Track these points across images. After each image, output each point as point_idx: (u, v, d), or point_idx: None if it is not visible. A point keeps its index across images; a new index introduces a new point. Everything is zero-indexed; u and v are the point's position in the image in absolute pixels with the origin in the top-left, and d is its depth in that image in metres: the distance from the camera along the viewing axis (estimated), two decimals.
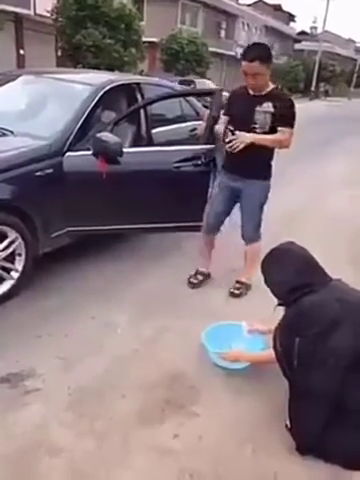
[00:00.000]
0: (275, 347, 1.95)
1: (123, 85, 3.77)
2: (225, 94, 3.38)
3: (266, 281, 2.11)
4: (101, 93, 3.38)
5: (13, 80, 3.96)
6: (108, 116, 3.60)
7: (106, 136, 3.00)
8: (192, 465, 1.79)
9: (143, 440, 1.89)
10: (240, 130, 2.79)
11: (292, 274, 1.97)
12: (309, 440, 1.87)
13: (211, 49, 26.34)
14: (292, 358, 1.85)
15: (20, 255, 2.84)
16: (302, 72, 38.51)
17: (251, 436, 1.96)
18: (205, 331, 2.47)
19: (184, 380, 2.27)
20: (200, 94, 4.09)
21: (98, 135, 2.99)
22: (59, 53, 19.09)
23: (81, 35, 15.74)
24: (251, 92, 2.84)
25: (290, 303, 1.93)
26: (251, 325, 2.48)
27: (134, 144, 3.65)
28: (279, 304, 2.04)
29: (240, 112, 2.87)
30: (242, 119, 2.84)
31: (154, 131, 3.90)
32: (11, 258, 2.80)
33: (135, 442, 1.87)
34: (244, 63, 2.69)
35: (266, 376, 2.29)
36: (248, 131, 2.79)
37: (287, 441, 1.93)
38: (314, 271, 2.01)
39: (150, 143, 3.77)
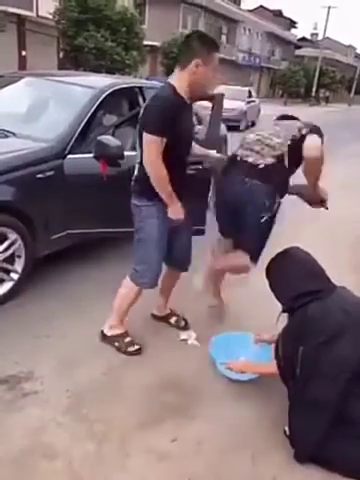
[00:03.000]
0: (277, 355, 1.95)
1: (125, 88, 3.78)
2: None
3: (271, 285, 2.11)
4: (103, 96, 3.39)
5: (15, 82, 3.97)
6: (110, 119, 3.62)
7: (107, 139, 3.01)
8: (190, 469, 1.79)
9: (141, 444, 1.88)
10: (185, 155, 2.33)
11: (297, 280, 1.98)
12: (309, 449, 1.86)
13: None
14: (295, 367, 1.84)
15: (20, 257, 2.83)
16: (303, 78, 38.69)
17: (250, 441, 1.96)
18: (213, 341, 2.47)
19: (183, 384, 2.26)
20: (202, 98, 4.10)
21: (99, 138, 3.00)
22: (61, 55, 19.14)
23: (83, 37, 15.79)
24: (188, 100, 2.17)
25: (295, 310, 1.93)
26: (259, 335, 2.48)
27: (135, 147, 3.65)
28: (283, 311, 2.04)
29: (186, 129, 2.26)
30: (188, 140, 2.34)
31: None
32: (11, 259, 2.80)
33: (133, 445, 1.87)
34: (218, 55, 2.13)
35: (266, 382, 2.29)
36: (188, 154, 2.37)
37: (286, 447, 1.93)
38: (319, 278, 2.01)
39: None
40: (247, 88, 16.82)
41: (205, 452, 1.88)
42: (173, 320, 2.78)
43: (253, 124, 14.64)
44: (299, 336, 1.85)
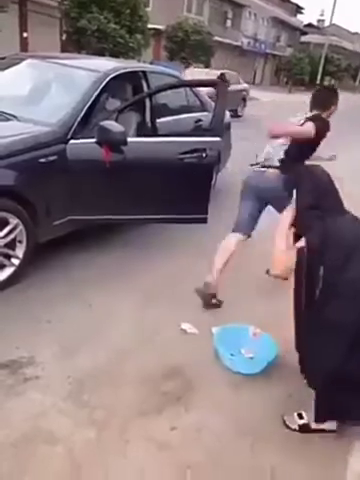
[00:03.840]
0: (297, 274, 1.87)
1: (129, 72, 3.73)
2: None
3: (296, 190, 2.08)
4: (107, 80, 3.35)
5: (17, 64, 3.91)
6: (113, 104, 3.57)
7: (110, 124, 2.97)
8: (190, 458, 1.80)
9: (141, 431, 1.89)
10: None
11: (312, 193, 1.96)
12: (328, 372, 1.80)
13: (216, 38, 26.04)
14: (314, 287, 1.79)
15: (21, 242, 2.82)
16: (308, 65, 38.16)
17: (250, 430, 1.97)
18: (217, 334, 2.47)
19: (184, 372, 2.27)
20: (205, 85, 4.04)
21: (102, 123, 2.96)
22: (63, 37, 18.83)
23: (86, 19, 15.51)
24: None
25: (309, 225, 1.89)
26: (256, 329, 2.49)
27: (138, 133, 3.62)
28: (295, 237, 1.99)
29: None
30: None
31: (159, 121, 3.87)
32: (12, 245, 2.78)
33: (133, 433, 1.88)
34: None
35: (266, 372, 2.30)
36: None
37: (286, 435, 1.94)
38: (334, 197, 1.98)
39: (155, 133, 3.74)
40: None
41: (204, 440, 1.89)
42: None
43: (236, 113, 13.08)
44: (320, 255, 1.79)
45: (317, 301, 1.81)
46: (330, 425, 1.99)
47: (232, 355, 2.38)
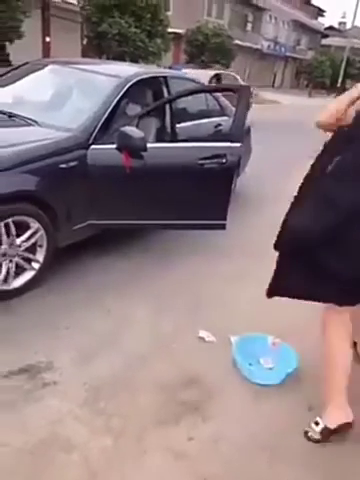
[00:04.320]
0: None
1: (150, 78, 3.74)
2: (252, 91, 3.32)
3: None
4: (128, 86, 3.36)
5: (39, 69, 3.97)
6: (134, 109, 3.58)
7: (131, 130, 2.98)
8: (207, 469, 1.77)
9: (158, 441, 1.87)
10: None
11: None
12: (301, 240, 1.80)
13: (237, 42, 26.02)
14: (328, 165, 1.80)
15: (41, 246, 2.84)
16: (329, 68, 37.78)
17: (268, 444, 1.93)
18: (236, 343, 2.43)
19: (201, 381, 2.24)
20: (227, 90, 4.02)
21: (122, 129, 2.97)
22: (84, 42, 19.07)
23: (107, 23, 15.68)
24: None
25: None
26: (275, 338, 2.45)
27: (158, 138, 3.63)
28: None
29: None
30: None
31: (179, 126, 3.87)
32: (32, 249, 2.81)
33: (150, 442, 1.86)
34: None
35: (285, 381, 2.26)
36: None
37: (305, 448, 1.90)
38: None
39: (174, 138, 3.73)
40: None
41: (222, 452, 1.86)
42: None
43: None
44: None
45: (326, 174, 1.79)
46: (345, 417, 1.93)
47: (250, 365, 2.35)
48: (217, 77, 12.30)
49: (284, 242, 1.89)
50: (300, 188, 1.92)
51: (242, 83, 14.44)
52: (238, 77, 14.76)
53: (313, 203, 1.82)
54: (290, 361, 2.30)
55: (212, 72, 12.61)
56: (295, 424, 2.06)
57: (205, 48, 22.87)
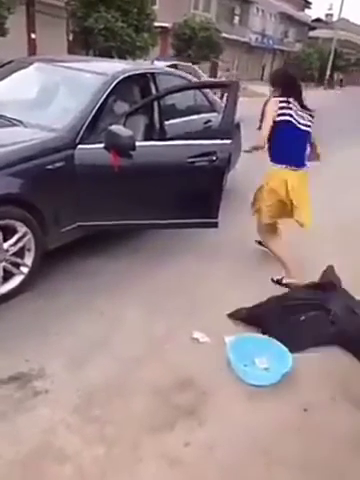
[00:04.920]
0: None
1: (137, 75, 3.67)
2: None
3: None
4: (114, 83, 3.29)
5: (25, 68, 3.88)
6: (121, 107, 3.52)
7: (118, 129, 2.92)
8: (203, 475, 1.75)
9: (153, 447, 1.84)
10: None
11: None
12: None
13: (224, 35, 25.86)
14: None
15: (29, 250, 2.78)
16: (316, 61, 37.79)
17: (264, 446, 1.91)
18: (231, 344, 2.40)
19: (196, 384, 2.21)
20: (216, 86, 3.97)
21: (110, 128, 2.91)
22: (70, 37, 18.83)
23: (93, 18, 15.48)
24: None
25: None
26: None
27: (147, 136, 3.57)
28: None
29: None
30: None
31: (167, 123, 3.81)
32: (21, 253, 2.74)
33: (145, 450, 1.83)
34: None
35: (280, 382, 2.24)
36: None
37: (302, 452, 1.88)
38: None
39: (163, 136, 3.68)
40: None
41: (218, 457, 1.83)
42: None
43: None
44: None
45: None
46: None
47: (245, 366, 2.32)
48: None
49: None
50: None
51: (202, 75, 14.13)
52: (196, 68, 14.30)
53: None
54: (285, 361, 2.28)
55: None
56: (291, 425, 2.04)
57: (193, 42, 22.71)
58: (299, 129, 3.02)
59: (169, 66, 11.05)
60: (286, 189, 3.05)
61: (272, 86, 3.12)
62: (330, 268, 3.16)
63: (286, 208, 3.14)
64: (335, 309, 2.69)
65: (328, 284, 3.05)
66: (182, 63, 13.52)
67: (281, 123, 2.98)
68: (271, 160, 3.13)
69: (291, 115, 2.99)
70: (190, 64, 13.26)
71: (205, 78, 14.38)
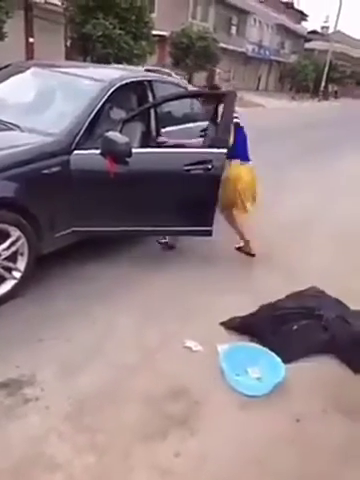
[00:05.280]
0: None
1: (134, 82, 3.68)
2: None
3: None
4: (112, 90, 3.30)
5: (21, 72, 3.87)
6: (118, 113, 3.52)
7: (115, 136, 2.92)
8: None
9: (145, 457, 1.82)
10: None
11: None
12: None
13: (221, 45, 26.09)
14: None
15: (23, 255, 2.76)
16: (312, 72, 38.21)
17: (256, 456, 1.90)
18: (224, 353, 2.39)
19: (189, 393, 2.19)
20: (213, 95, 3.98)
21: (107, 134, 2.91)
22: (68, 43, 18.90)
23: (91, 25, 15.55)
24: None
25: None
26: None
27: (143, 143, 3.57)
28: None
29: None
30: None
31: (164, 130, 3.82)
32: (13, 257, 2.72)
33: (136, 459, 1.81)
34: None
35: (273, 392, 2.23)
36: None
37: (296, 462, 1.87)
38: None
39: (160, 143, 3.68)
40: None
41: (210, 468, 1.81)
42: None
43: None
44: None
45: None
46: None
47: (237, 375, 2.31)
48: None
49: None
50: None
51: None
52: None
53: None
54: (277, 371, 2.27)
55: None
56: (283, 435, 2.03)
57: (190, 51, 22.88)
58: (243, 129, 3.49)
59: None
60: (242, 179, 3.49)
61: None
62: (312, 289, 3.15)
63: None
64: (327, 316, 2.71)
65: (319, 292, 3.07)
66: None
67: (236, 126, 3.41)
68: (229, 157, 3.35)
69: (238, 118, 3.43)
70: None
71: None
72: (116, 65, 9.69)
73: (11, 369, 2.19)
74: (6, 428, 1.87)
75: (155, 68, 12.95)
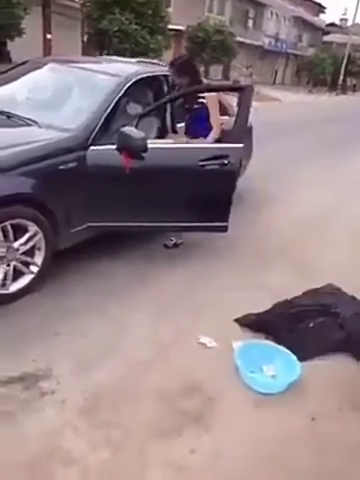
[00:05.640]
0: None
1: (150, 77, 3.67)
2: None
3: None
4: (128, 85, 3.29)
5: (39, 68, 3.89)
6: (134, 108, 3.52)
7: (131, 131, 2.92)
8: None
9: (159, 453, 1.82)
10: None
11: None
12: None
13: (238, 39, 25.84)
14: None
15: (40, 249, 2.78)
16: (330, 65, 37.58)
17: (271, 454, 1.89)
18: (239, 350, 2.38)
19: (203, 389, 2.19)
20: (230, 89, 3.95)
21: (123, 130, 2.91)
22: (85, 38, 18.97)
23: (107, 20, 15.58)
24: None
25: None
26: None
27: (159, 138, 3.56)
28: None
29: None
30: None
31: (180, 125, 3.80)
32: (31, 252, 2.75)
33: (151, 455, 1.81)
34: None
35: (288, 390, 2.21)
36: None
37: (312, 461, 1.85)
38: None
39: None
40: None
41: (225, 465, 1.81)
42: None
43: None
44: None
45: None
46: None
47: (252, 372, 2.30)
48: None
49: None
50: None
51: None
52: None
53: None
54: (293, 370, 2.25)
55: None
56: (298, 433, 2.02)
57: (206, 45, 22.73)
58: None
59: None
60: None
61: (178, 76, 3.46)
62: (329, 286, 3.11)
63: None
64: (344, 313, 2.66)
65: (335, 289, 3.03)
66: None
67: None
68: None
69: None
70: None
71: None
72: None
73: (27, 363, 2.21)
74: (23, 421, 1.90)
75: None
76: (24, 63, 4.03)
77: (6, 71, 3.99)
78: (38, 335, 2.43)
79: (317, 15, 49.03)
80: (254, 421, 2.05)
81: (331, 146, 9.28)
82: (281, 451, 1.92)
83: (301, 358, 2.33)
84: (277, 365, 2.33)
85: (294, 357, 2.31)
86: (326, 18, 59.07)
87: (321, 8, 50.96)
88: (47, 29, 18.26)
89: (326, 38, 48.96)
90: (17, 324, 2.51)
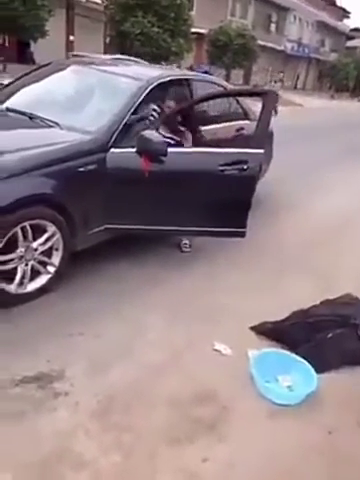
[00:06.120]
0: None
1: (172, 81, 3.67)
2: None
3: None
4: (150, 88, 3.30)
5: (62, 70, 3.93)
6: (155, 112, 3.52)
7: (151, 134, 2.92)
8: None
9: (171, 460, 1.81)
10: None
11: None
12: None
13: (259, 42, 25.76)
14: None
15: (57, 250, 2.80)
16: (353, 70, 37.15)
17: (286, 467, 1.85)
18: (255, 358, 2.34)
19: (217, 397, 2.16)
20: (253, 94, 3.92)
21: (143, 133, 2.92)
22: (107, 40, 19.16)
23: (130, 23, 15.70)
24: None
25: None
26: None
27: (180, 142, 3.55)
28: None
29: None
30: None
31: (202, 129, 3.79)
32: (48, 252, 2.77)
33: (162, 461, 1.79)
34: None
35: (304, 402, 2.17)
36: None
37: (326, 476, 1.81)
38: None
39: (195, 142, 3.66)
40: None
41: (238, 476, 1.78)
42: None
43: None
44: None
45: None
46: None
47: (267, 382, 2.26)
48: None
49: None
50: None
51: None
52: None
53: None
54: (310, 381, 2.20)
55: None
56: (314, 447, 1.97)
57: (228, 48, 22.70)
58: None
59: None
60: None
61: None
62: (347, 296, 3.04)
63: None
64: None
65: (353, 299, 2.97)
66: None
67: None
68: None
69: None
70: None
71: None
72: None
73: (42, 363, 2.22)
74: (36, 421, 1.90)
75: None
76: (47, 65, 4.07)
77: (30, 72, 4.04)
78: (53, 335, 2.44)
79: (341, 20, 48.54)
80: (269, 432, 2.01)
81: (352, 152, 9.15)
82: (296, 464, 1.88)
83: (319, 370, 2.28)
84: (293, 376, 2.29)
85: (311, 368, 2.27)
86: (350, 23, 58.44)
87: (345, 13, 50.46)
88: (70, 31, 18.52)
89: (350, 43, 48.46)
90: (32, 323, 2.52)
